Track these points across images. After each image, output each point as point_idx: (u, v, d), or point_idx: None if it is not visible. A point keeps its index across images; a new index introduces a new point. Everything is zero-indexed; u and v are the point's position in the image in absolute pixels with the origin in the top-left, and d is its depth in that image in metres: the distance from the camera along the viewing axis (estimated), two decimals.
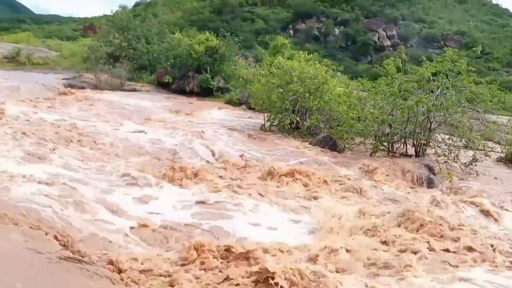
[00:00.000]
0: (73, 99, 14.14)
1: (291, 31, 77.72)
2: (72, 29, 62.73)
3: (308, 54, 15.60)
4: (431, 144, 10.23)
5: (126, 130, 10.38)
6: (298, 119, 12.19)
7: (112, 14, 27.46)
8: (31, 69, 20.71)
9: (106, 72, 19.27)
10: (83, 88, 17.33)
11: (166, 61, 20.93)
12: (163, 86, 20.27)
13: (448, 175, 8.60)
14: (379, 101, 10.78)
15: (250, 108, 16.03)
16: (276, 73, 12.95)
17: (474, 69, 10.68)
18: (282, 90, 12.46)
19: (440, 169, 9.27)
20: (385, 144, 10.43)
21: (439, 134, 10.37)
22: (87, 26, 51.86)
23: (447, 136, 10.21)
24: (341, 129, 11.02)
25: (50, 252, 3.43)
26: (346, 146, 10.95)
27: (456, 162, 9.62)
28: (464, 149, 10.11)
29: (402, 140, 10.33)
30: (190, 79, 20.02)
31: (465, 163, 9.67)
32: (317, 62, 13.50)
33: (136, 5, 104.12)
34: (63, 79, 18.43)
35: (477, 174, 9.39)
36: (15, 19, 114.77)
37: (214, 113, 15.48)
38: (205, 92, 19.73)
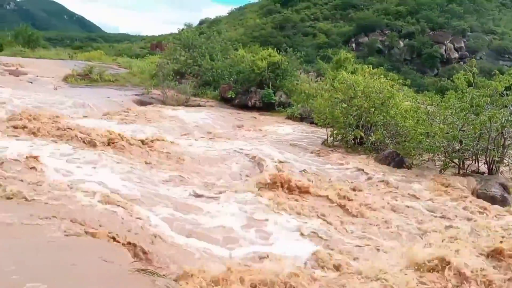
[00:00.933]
0: (139, 115, 14.72)
1: (354, 45, 77.06)
2: (140, 47, 65.81)
3: (372, 68, 15.28)
4: (505, 161, 9.65)
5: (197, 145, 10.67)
6: (363, 134, 11.92)
7: (178, 32, 28.47)
8: (102, 86, 21.83)
9: (173, 88, 19.93)
10: (151, 103, 18.02)
11: (229, 76, 21.34)
12: (226, 101, 20.64)
13: None
14: (449, 116, 10.32)
15: (312, 123, 15.90)
16: (340, 88, 12.77)
17: None
18: (346, 105, 12.27)
19: None
20: (456, 161, 9.95)
21: None
22: (155, 44, 54.05)
23: None
24: (408, 145, 10.61)
25: (123, 264, 3.52)
26: (414, 163, 10.55)
27: None
28: None
29: (474, 156, 9.83)
30: (253, 94, 20.25)
31: None
32: (382, 76, 13.19)
33: (201, 23, 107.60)
34: (132, 95, 19.27)
35: None
36: (87, 38, 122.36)
37: (276, 128, 15.50)
38: (267, 107, 19.86)
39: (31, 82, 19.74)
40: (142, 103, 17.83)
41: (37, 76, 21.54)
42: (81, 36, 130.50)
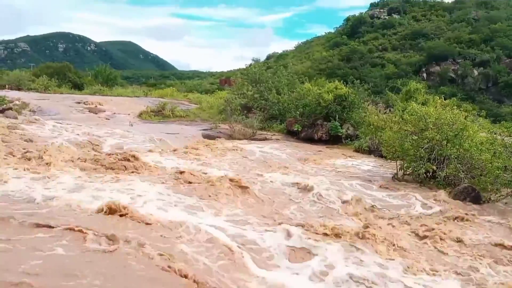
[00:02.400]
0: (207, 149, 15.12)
1: (424, 74, 75.14)
2: (210, 83, 68.26)
3: (444, 98, 14.71)
4: None
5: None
6: (435, 168, 11.38)
7: (245, 67, 29.30)
8: (174, 121, 22.78)
9: (240, 122, 20.35)
10: (218, 137, 18.48)
11: (296, 110, 21.45)
12: (292, 134, 20.72)
13: None
14: None
15: (380, 156, 15.45)
16: (410, 120, 12.38)
17: None
18: (416, 137, 11.86)
19: None
20: None
21: None
22: (223, 80, 55.94)
23: None
24: (484, 179, 10.01)
25: None
26: (492, 198, 9.89)
27: None
28: None
29: None
30: (319, 127, 20.16)
31: None
32: (455, 107, 12.66)
33: (268, 57, 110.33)
34: (201, 129, 19.91)
35: None
36: (161, 75, 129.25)
37: (343, 161, 15.25)
38: (334, 140, 19.67)
39: (108, 119, 21.01)
40: (210, 137, 18.33)
41: (114, 113, 22.91)
42: (155, 74, 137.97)
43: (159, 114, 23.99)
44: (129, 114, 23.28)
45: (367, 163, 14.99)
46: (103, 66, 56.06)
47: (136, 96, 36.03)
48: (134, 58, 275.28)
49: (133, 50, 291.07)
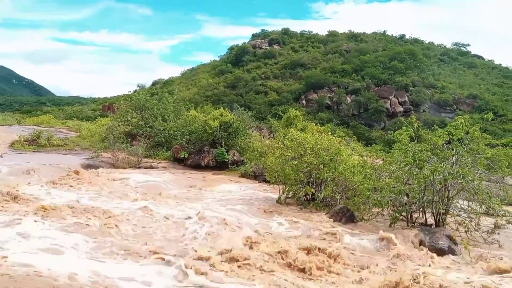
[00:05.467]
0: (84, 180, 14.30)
1: (304, 101, 79.43)
2: (92, 109, 65.14)
3: (321, 124, 15.74)
4: (450, 212, 9.97)
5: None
6: (313, 190, 12.07)
7: (130, 93, 28.59)
8: (50, 151, 21.28)
9: (124, 151, 19.67)
10: (100, 167, 17.64)
11: (182, 137, 21.38)
12: (179, 161, 20.57)
13: (466, 244, 8.29)
14: (395, 170, 10.68)
15: (265, 181, 15.96)
16: (290, 146, 13.04)
17: (488, 132, 10.61)
18: (296, 162, 12.49)
19: (462, 239, 8.96)
20: (404, 214, 10.21)
21: (459, 200, 10.11)
22: (106, 106, 53.87)
23: (466, 203, 9.96)
24: (357, 200, 10.81)
25: None
26: (364, 218, 10.72)
27: (477, 230, 9.33)
28: (486, 216, 9.84)
29: (421, 209, 10.10)
30: (206, 153, 20.30)
31: (487, 231, 9.35)
32: (330, 133, 13.60)
33: (154, 83, 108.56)
34: (81, 159, 18.84)
35: (499, 245, 9.01)
36: (37, 102, 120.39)
37: (229, 186, 15.48)
38: (221, 166, 19.94)
39: None
40: (90, 167, 17.41)
41: None
42: (31, 100, 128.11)
43: (33, 143, 22.27)
44: None
45: (252, 188, 15.39)
46: None
47: (8, 124, 33.14)
48: (7, 83, 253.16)
49: (5, 75, 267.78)
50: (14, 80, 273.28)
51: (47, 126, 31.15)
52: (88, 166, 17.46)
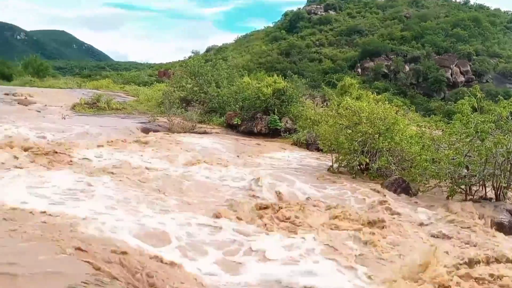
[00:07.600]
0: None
1: (359, 70, 77.52)
2: (148, 74, 66.50)
3: (377, 93, 15.30)
4: None
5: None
6: (368, 160, 11.85)
7: (184, 60, 28.89)
8: (109, 114, 22.07)
9: (179, 116, 20.05)
10: (157, 131, 18.10)
11: (235, 103, 21.49)
12: (232, 127, 20.75)
13: None
14: (455, 142, 10.26)
15: (318, 149, 15.83)
16: (344, 114, 12.78)
17: None
18: (351, 131, 12.26)
19: None
20: (463, 187, 9.84)
21: None
22: (162, 72, 54.69)
23: None
24: (414, 171, 10.52)
25: None
26: (421, 189, 10.44)
27: None
28: None
29: (481, 182, 9.71)
30: (258, 120, 20.33)
31: None
32: (386, 102, 13.19)
33: (208, 50, 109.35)
34: (139, 123, 19.42)
35: None
36: (96, 66, 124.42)
37: (282, 154, 15.47)
38: (273, 133, 19.94)
39: (39, 111, 20.00)
40: (148, 130, 17.93)
41: (45, 106, 21.84)
42: (90, 65, 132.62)
43: (93, 107, 23.14)
44: (61, 106, 22.27)
45: (304, 156, 15.31)
46: (33, 56, 53.17)
47: (69, 88, 34.59)
48: (68, 48, 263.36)
49: (66, 40, 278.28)
50: (74, 45, 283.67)
51: (106, 90, 32.22)
52: (145, 130, 17.99)
